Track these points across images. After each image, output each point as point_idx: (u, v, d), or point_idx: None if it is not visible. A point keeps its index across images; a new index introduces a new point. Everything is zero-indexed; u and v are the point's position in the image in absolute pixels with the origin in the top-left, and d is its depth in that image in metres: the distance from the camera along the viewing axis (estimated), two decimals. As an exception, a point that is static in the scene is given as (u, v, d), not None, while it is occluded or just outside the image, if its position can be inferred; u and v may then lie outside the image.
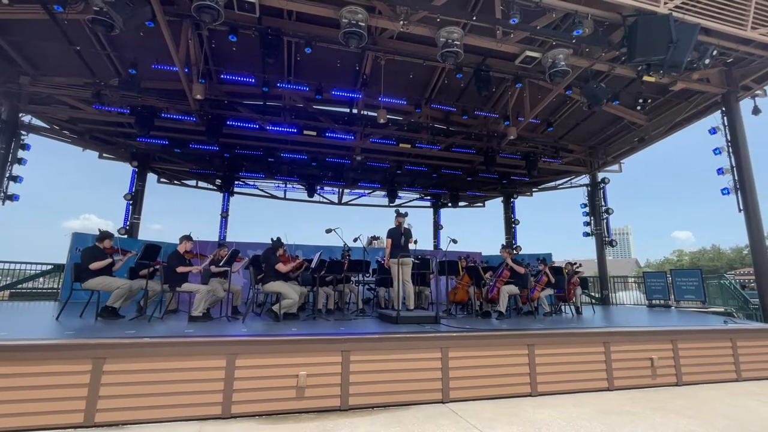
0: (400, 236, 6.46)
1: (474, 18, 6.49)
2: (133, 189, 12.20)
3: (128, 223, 11.99)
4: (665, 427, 3.74)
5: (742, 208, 7.93)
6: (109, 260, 5.57)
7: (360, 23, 6.10)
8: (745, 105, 8.55)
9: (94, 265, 5.37)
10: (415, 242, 6.93)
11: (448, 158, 12.83)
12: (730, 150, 8.31)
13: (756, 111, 8.69)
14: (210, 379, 3.83)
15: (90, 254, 5.49)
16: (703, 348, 5.59)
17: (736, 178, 8.10)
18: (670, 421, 3.91)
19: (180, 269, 5.71)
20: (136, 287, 5.78)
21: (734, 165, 8.19)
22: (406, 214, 6.66)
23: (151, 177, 13.46)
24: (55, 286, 11.02)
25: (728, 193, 8.29)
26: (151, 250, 6.09)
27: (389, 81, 9.12)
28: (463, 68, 8.24)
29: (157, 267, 6.12)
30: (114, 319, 5.41)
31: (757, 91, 8.56)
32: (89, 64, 8.84)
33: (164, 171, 13.93)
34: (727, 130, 8.40)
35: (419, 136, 11.34)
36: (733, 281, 12.78)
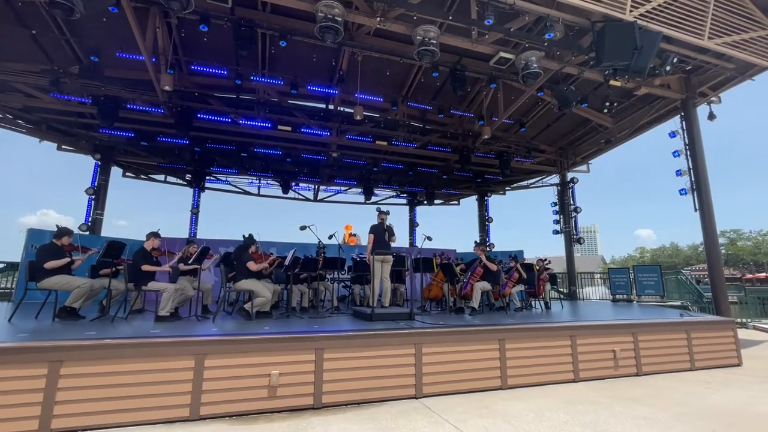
0: (383, 232, 6.50)
1: (450, 18, 6.55)
2: (96, 183, 11.57)
3: (90, 219, 11.38)
4: (625, 414, 3.94)
5: (697, 207, 8.43)
6: (66, 259, 5.23)
7: (336, 18, 6.02)
8: (702, 111, 9.11)
9: (49, 265, 5.03)
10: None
11: (424, 156, 12.93)
12: (688, 153, 8.81)
13: (711, 117, 9.25)
14: (177, 381, 3.71)
15: (46, 252, 5.16)
16: (661, 340, 5.91)
17: (693, 179, 8.60)
18: (630, 409, 4.12)
19: (145, 268, 5.47)
20: (98, 286, 5.49)
21: (691, 167, 8.70)
22: (388, 212, 6.71)
23: (116, 171, 12.83)
24: (8, 285, 10.33)
25: (685, 193, 8.78)
26: (114, 247, 5.80)
27: (366, 78, 9.08)
28: (440, 67, 8.32)
29: (121, 266, 5.85)
30: (73, 319, 5.12)
31: (713, 98, 9.11)
32: (47, 50, 8.29)
33: (130, 165, 13.31)
34: (685, 134, 8.90)
35: (396, 134, 11.37)
36: (689, 276, 13.60)
